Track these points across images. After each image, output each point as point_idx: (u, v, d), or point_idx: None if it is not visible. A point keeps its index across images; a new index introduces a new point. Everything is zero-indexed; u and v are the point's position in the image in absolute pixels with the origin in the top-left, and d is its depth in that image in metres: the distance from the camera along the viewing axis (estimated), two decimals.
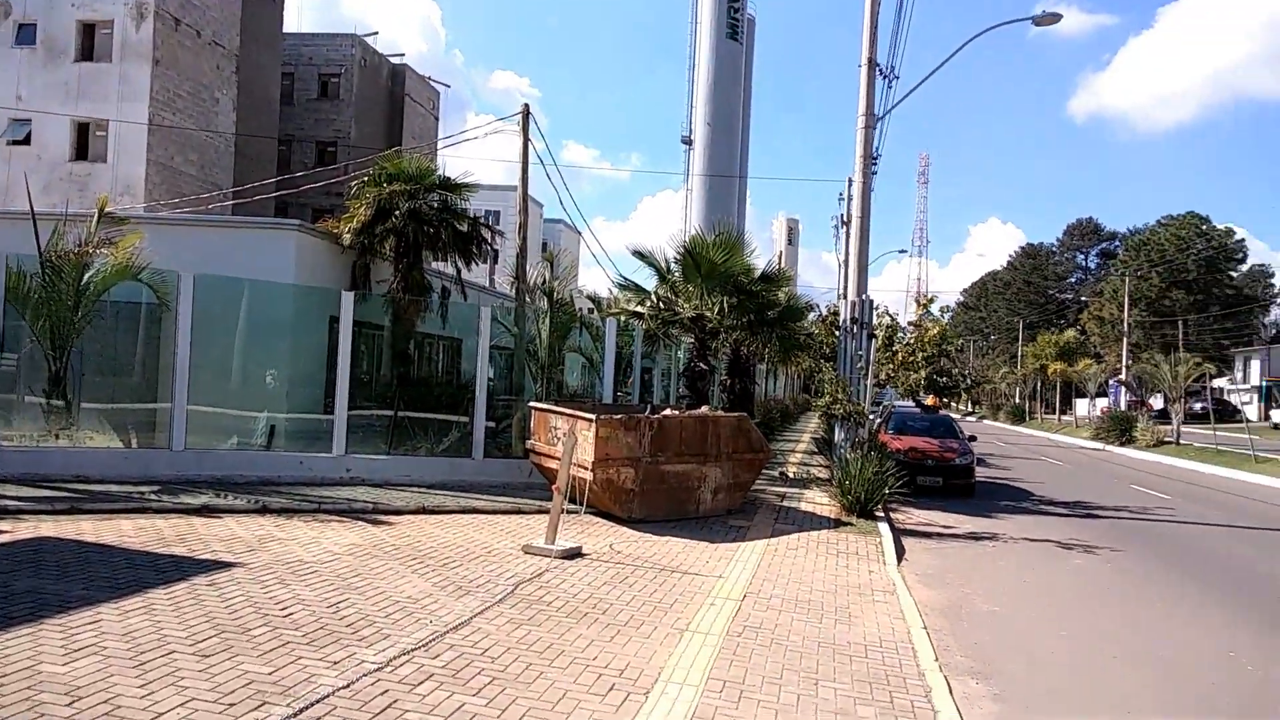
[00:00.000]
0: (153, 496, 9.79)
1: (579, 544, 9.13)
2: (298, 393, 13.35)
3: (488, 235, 16.55)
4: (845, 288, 40.75)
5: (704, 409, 13.31)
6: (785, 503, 13.85)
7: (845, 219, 42.03)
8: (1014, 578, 10.08)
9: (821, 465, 20.32)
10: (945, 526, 13.39)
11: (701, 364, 16.69)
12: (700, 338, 16.68)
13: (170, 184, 28.88)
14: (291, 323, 13.29)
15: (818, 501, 14.19)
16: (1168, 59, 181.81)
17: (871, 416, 16.12)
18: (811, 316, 21.46)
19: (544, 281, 15.10)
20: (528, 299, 16.08)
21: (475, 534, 9.55)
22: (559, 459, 9.90)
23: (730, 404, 18.29)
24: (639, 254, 17.10)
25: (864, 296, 15.97)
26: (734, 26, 74.21)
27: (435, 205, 15.06)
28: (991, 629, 7.77)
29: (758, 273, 17.41)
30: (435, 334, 16.78)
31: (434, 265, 18.37)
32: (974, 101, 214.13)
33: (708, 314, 16.06)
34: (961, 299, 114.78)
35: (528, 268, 16.43)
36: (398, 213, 14.74)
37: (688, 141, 74.72)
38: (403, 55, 45.74)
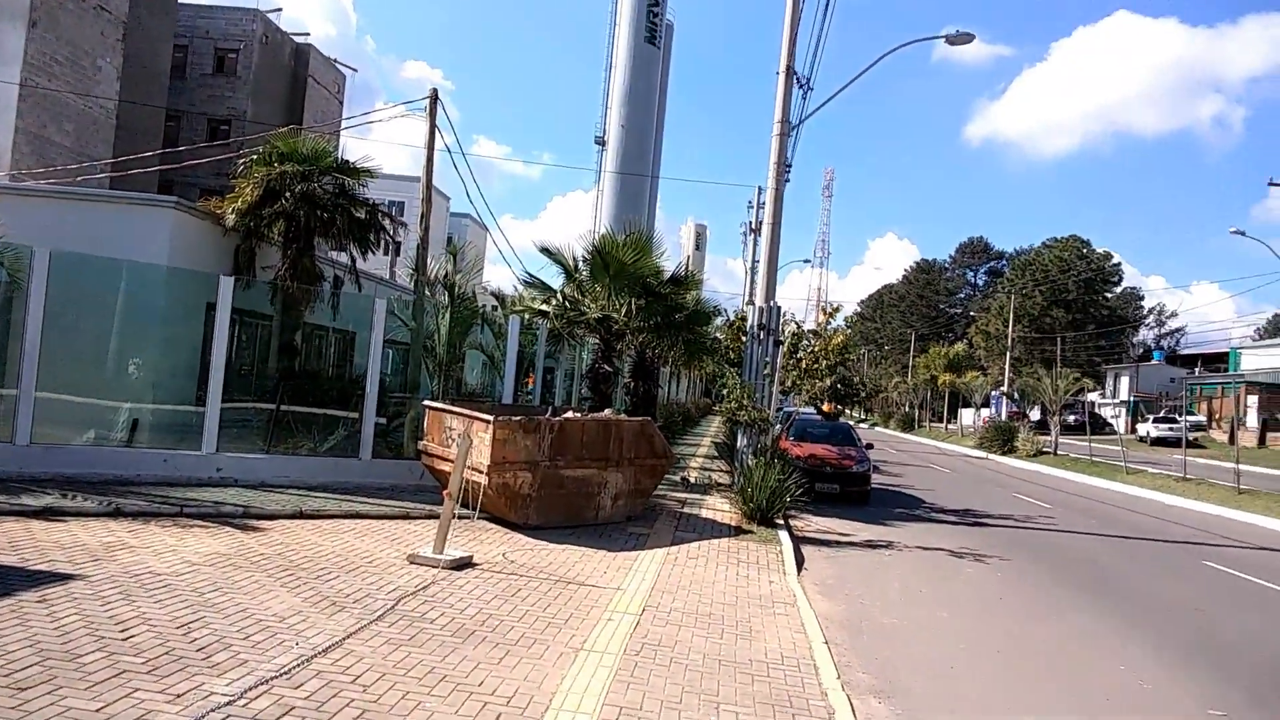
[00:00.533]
0: None
1: (470, 553, 8.61)
2: (168, 384, 12.32)
3: (388, 224, 15.68)
4: (752, 294, 41.17)
5: (607, 412, 12.94)
6: (687, 509, 13.61)
7: (755, 226, 42.45)
8: (911, 588, 10.06)
9: (723, 471, 20.24)
10: (843, 534, 13.40)
11: (606, 366, 16.31)
12: (606, 339, 16.31)
13: (41, 155, 26.70)
14: (164, 308, 12.23)
15: (719, 508, 14.00)
16: (1057, 91, 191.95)
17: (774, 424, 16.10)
18: (718, 321, 21.41)
19: (446, 275, 14.39)
20: (428, 292, 15.33)
21: (357, 541, 8.90)
22: (453, 461, 9.36)
23: (634, 407, 17.99)
24: (546, 251, 16.60)
25: (772, 303, 15.91)
26: (653, 31, 74.34)
27: (331, 189, 14.18)
28: (892, 643, 7.65)
29: (667, 275, 17.14)
30: (326, 326, 15.88)
31: (329, 255, 17.43)
32: (877, 121, 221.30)
33: (614, 315, 15.70)
34: (858, 309, 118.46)
35: (430, 260, 15.66)
36: (289, 195, 13.77)
37: (601, 142, 74.45)
38: (308, 35, 43.77)
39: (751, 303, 17.89)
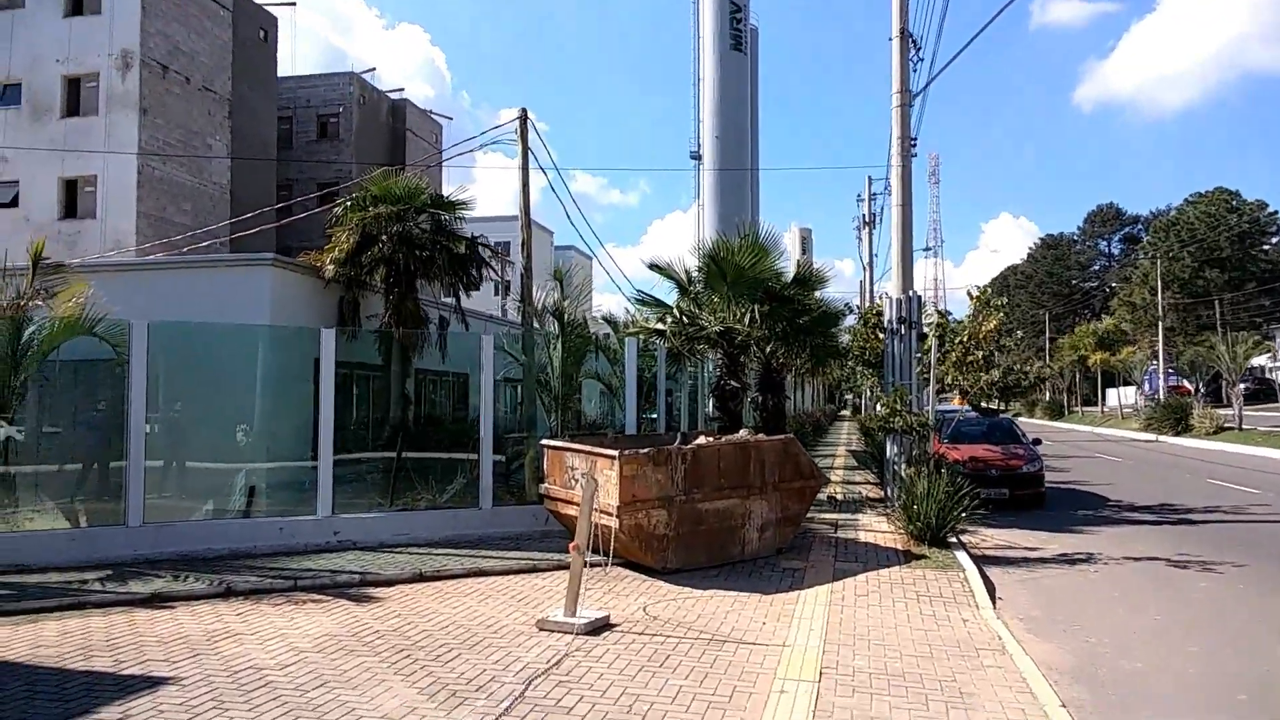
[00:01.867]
0: (97, 586, 8.26)
1: (606, 611, 7.48)
2: (281, 445, 11.86)
3: (488, 256, 14.99)
4: (872, 286, 39.01)
5: (742, 433, 11.64)
6: (840, 533, 12.12)
7: (868, 218, 40.43)
8: (1139, 615, 8.29)
9: (870, 483, 18.55)
10: (1029, 549, 11.58)
11: (732, 381, 15.01)
12: (729, 352, 15.03)
13: (162, 236, 27.75)
14: (270, 368, 11.82)
15: (877, 529, 12.44)
16: (1171, 41, 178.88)
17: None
18: (848, 321, 19.80)
19: (554, 303, 13.50)
20: (536, 323, 14.48)
21: (480, 606, 7.92)
22: (578, 505, 8.30)
23: (764, 423, 16.59)
24: (656, 267, 15.52)
25: (910, 293, 14.29)
26: (737, 37, 73.00)
27: (428, 228, 13.59)
28: (1149, 700, 6.01)
29: (788, 276, 15.78)
30: (437, 370, 15.30)
31: (436, 297, 16.91)
32: (979, 97, 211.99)
33: (737, 326, 14.42)
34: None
35: (536, 290, 14.82)
36: (385, 237, 13.26)
37: (696, 156, 73.30)
38: (402, 90, 44.80)
39: (879, 295, 16.25)
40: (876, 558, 10.34)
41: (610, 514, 9.00)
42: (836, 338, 18.69)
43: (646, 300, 15.02)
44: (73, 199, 27.65)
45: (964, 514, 11.09)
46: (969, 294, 15.22)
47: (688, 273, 15.55)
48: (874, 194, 38.54)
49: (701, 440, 10.51)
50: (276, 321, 12.23)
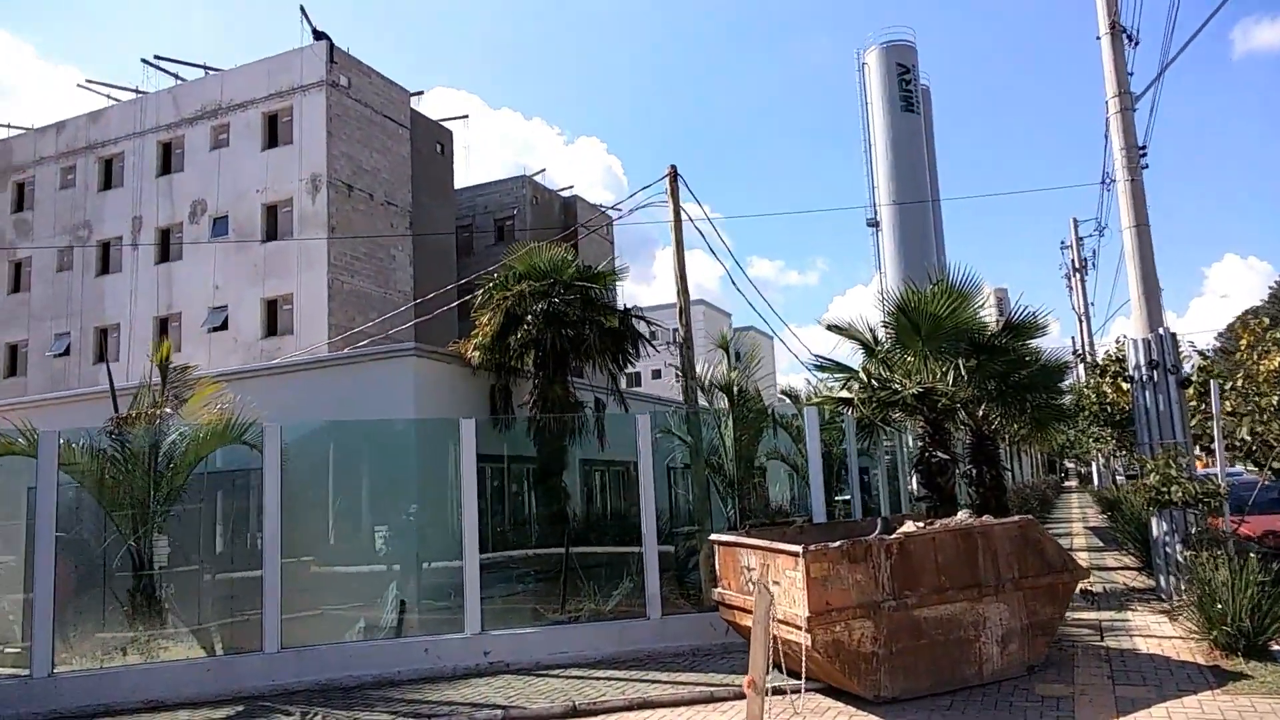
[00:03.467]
0: None
1: None
2: (430, 548, 10.83)
3: (644, 329, 13.70)
4: (1089, 339, 34.55)
5: (961, 515, 9.35)
6: (1109, 640, 9.41)
7: (1076, 264, 36.29)
8: None
9: (1127, 569, 15.23)
10: None
11: (939, 453, 12.67)
12: (931, 419, 12.76)
13: (352, 346, 28.89)
14: (412, 465, 10.99)
15: (1158, 633, 9.59)
16: None
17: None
18: (1075, 377, 16.86)
19: (721, 376, 11.94)
20: (704, 400, 12.93)
21: None
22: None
23: (981, 500, 14.02)
24: (835, 328, 13.65)
25: (1162, 330, 11.56)
26: (908, 98, 70.76)
27: (576, 303, 12.58)
28: None
29: (991, 325, 13.42)
30: (601, 460, 14.06)
31: (593, 378, 15.82)
32: (1179, 136, 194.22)
33: (939, 387, 12.20)
34: (1218, 342, 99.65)
35: (704, 365, 13.32)
36: (530, 316, 12.33)
37: (874, 224, 70.64)
38: (571, 187, 45.91)
39: (1123, 338, 13.45)
40: (1172, 677, 7.67)
41: (798, 627, 7.10)
42: (1060, 395, 15.86)
43: (826, 365, 13.10)
44: (273, 318, 29.44)
45: None
46: (1243, 326, 12.20)
47: (872, 331, 13.58)
48: (1081, 237, 34.60)
49: (909, 527, 8.40)
50: (423, 414, 11.47)
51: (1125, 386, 13.46)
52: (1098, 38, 12.91)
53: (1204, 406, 13.63)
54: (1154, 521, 11.50)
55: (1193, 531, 10.54)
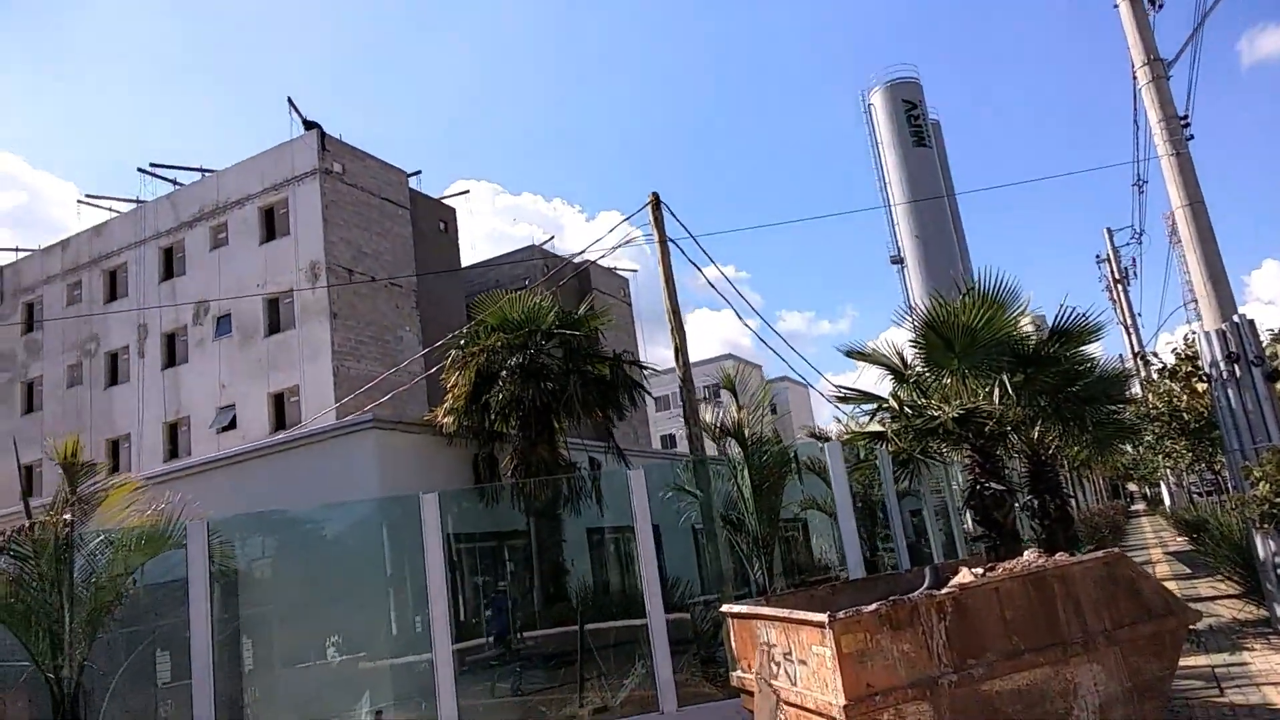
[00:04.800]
0: None
1: None
2: (401, 641, 9.28)
3: (639, 374, 12.25)
4: (1140, 351, 32.37)
5: (1028, 555, 7.64)
6: (1229, 693, 7.59)
7: (1116, 275, 34.30)
8: None
9: (1224, 597, 13.21)
10: None
11: (992, 483, 11.00)
12: (979, 446, 11.12)
13: None
14: (381, 551, 9.56)
15: None
16: None
17: None
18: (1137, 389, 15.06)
19: (732, 419, 10.44)
20: (714, 447, 11.39)
21: None
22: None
23: (1048, 534, 12.23)
24: (856, 353, 12.15)
25: (1238, 317, 9.90)
26: (918, 133, 69.96)
27: (558, 355, 11.20)
28: None
29: (1034, 335, 11.84)
30: (611, 526, 12.52)
31: (597, 433, 14.33)
32: (1199, 148, 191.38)
33: (984, 407, 10.59)
34: None
35: (717, 413, 11.78)
36: (505, 372, 10.99)
37: (898, 260, 69.23)
38: (583, 252, 45.13)
39: (1194, 334, 11.74)
40: None
41: (832, 718, 5.48)
42: (1123, 408, 14.12)
43: (851, 396, 11.54)
44: (281, 411, 28.51)
45: None
46: None
47: (900, 354, 12.06)
48: (1117, 246, 32.74)
49: (965, 576, 6.78)
50: (391, 491, 10.10)
51: (1201, 388, 11.72)
52: (1115, 5, 11.61)
53: None
54: (1259, 539, 9.65)
55: None
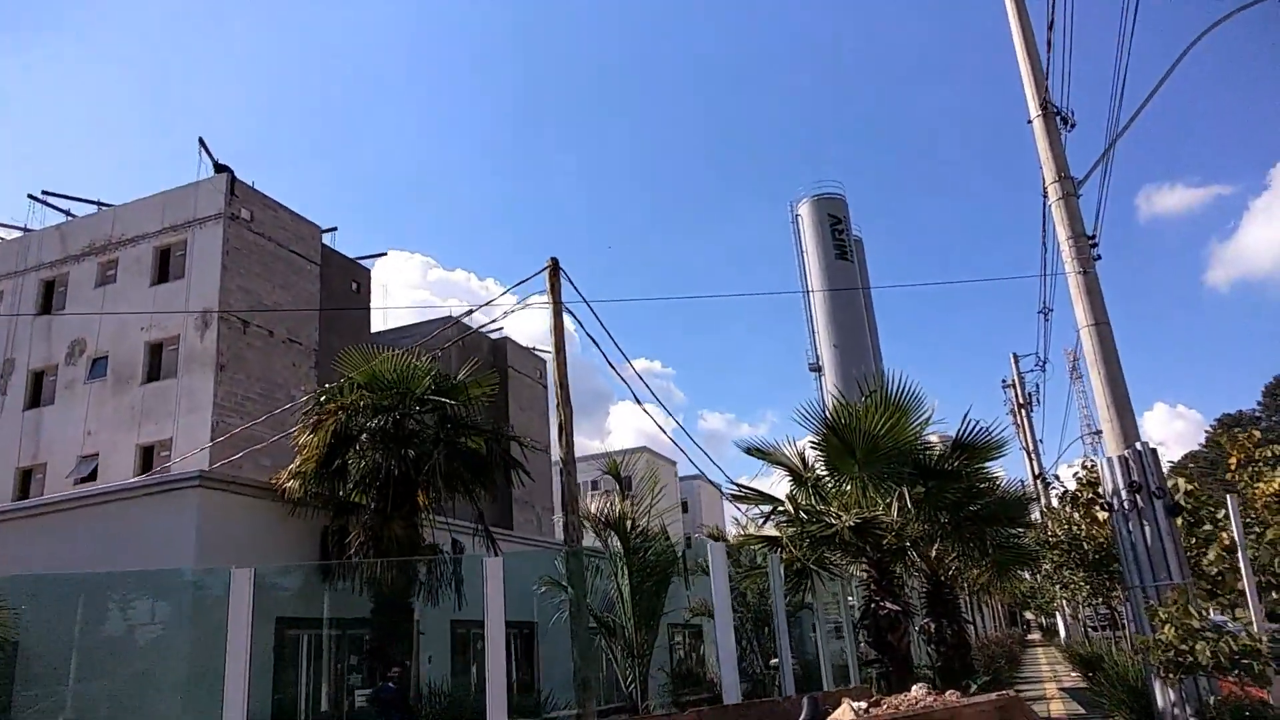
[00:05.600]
0: None
1: None
2: None
3: (521, 455, 11.23)
4: (1040, 476, 32.84)
5: (917, 691, 6.82)
6: None
7: (1020, 400, 35.05)
8: None
9: None
10: None
11: (887, 603, 10.29)
12: (876, 560, 10.45)
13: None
14: (182, 628, 8.13)
15: None
16: None
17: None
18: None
19: (613, 510, 9.50)
20: (600, 541, 10.41)
21: None
22: None
23: (943, 661, 11.54)
24: (756, 451, 11.45)
25: (1140, 445, 9.56)
26: (841, 247, 72.21)
27: (430, 423, 10.15)
28: None
29: (937, 447, 11.38)
30: (469, 619, 11.26)
31: (475, 511, 13.15)
32: (1107, 279, 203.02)
33: (881, 518, 9.95)
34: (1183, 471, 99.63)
35: (593, 500, 10.79)
36: (364, 435, 9.87)
37: (816, 369, 70.34)
38: (502, 329, 44.20)
39: (1095, 459, 11.41)
40: None
41: None
42: (1023, 533, 13.73)
43: (746, 495, 10.78)
44: (149, 465, 26.22)
45: None
46: (1226, 440, 10.30)
47: (801, 455, 11.42)
48: (1025, 372, 33.57)
49: (845, 712, 5.91)
50: (213, 561, 8.66)
51: (1103, 517, 11.36)
52: (1029, 121, 11.67)
53: (1194, 540, 11.55)
54: (1158, 686, 9.07)
55: (1209, 700, 8.19)
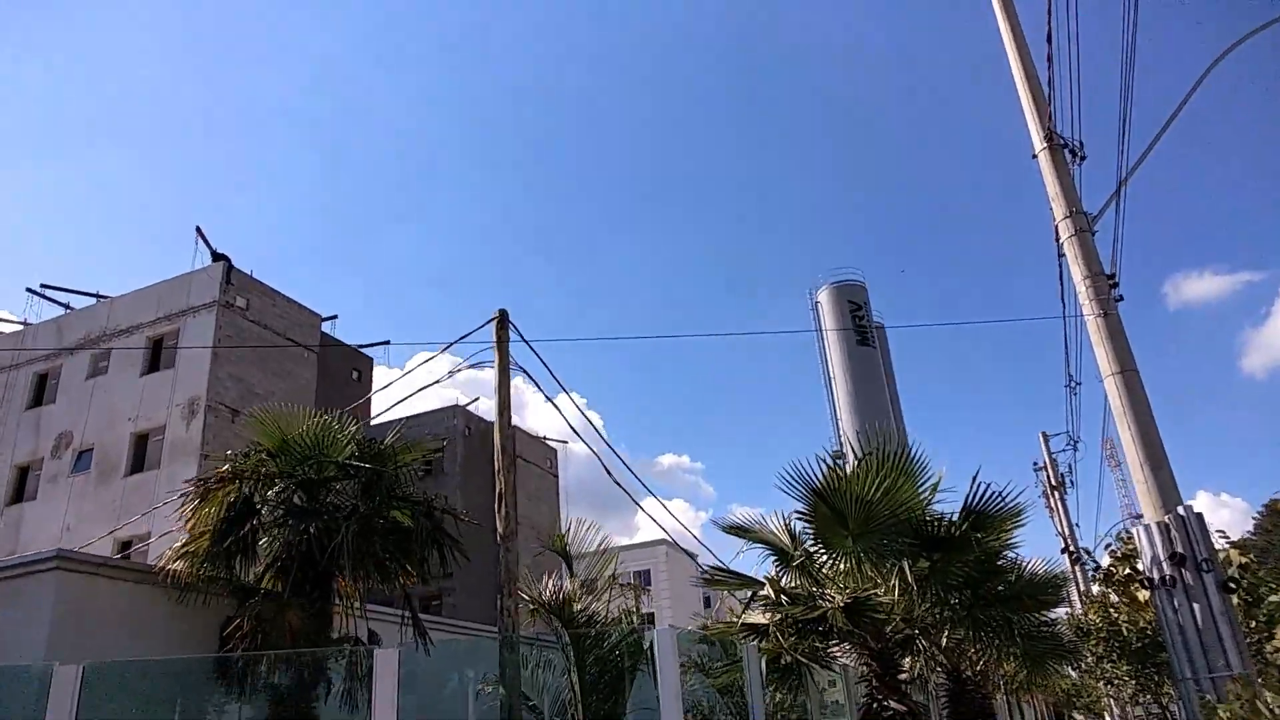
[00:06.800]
0: None
1: None
2: None
3: (454, 530, 9.82)
4: (1077, 564, 30.46)
5: None
6: None
7: (1053, 481, 32.93)
8: None
9: None
10: None
11: (892, 701, 8.63)
12: (877, 650, 8.85)
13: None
14: None
15: None
16: None
17: None
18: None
19: (558, 592, 8.08)
20: (555, 626, 8.91)
21: None
22: None
23: None
24: (736, 529, 10.01)
25: (1182, 509, 8.07)
26: (862, 333, 71.05)
27: (350, 493, 8.86)
28: None
29: (945, 515, 9.86)
30: None
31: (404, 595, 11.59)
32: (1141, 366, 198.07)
33: (879, 598, 8.43)
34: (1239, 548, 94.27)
35: (549, 582, 9.28)
36: (267, 508, 8.56)
37: (839, 456, 68.17)
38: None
39: (1130, 527, 9.85)
40: None
41: None
42: (1058, 619, 12.04)
43: (721, 578, 9.29)
44: (125, 558, 24.99)
45: None
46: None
47: (789, 530, 9.97)
48: (1054, 452, 31.61)
49: None
50: (70, 658, 7.28)
51: (1143, 596, 9.70)
52: (1033, 156, 10.59)
53: (1253, 623, 9.83)
54: None
55: None
